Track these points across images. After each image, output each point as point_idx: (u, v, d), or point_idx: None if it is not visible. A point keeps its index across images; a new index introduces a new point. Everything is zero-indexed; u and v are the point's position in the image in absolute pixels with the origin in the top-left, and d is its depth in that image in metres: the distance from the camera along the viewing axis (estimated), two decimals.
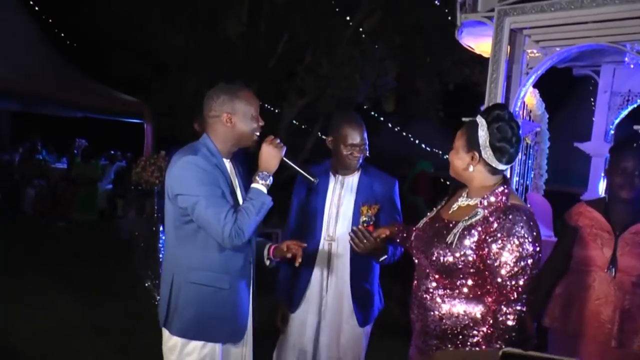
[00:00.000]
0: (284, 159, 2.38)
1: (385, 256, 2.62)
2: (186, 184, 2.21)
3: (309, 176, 2.48)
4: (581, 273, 2.75)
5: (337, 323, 2.86)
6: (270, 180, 2.34)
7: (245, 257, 2.40)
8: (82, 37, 11.16)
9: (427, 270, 2.14)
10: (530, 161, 5.22)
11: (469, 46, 4.78)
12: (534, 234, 1.95)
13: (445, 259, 2.02)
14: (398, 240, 2.54)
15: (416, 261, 2.26)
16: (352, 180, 2.89)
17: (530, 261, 1.92)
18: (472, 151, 2.08)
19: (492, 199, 2.04)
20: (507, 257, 1.91)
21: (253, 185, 2.32)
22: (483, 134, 2.05)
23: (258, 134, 2.40)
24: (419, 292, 2.17)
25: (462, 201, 2.17)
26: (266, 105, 10.98)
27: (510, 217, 1.95)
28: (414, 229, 2.36)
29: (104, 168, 11.78)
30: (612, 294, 2.62)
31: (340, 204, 2.86)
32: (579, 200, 3.93)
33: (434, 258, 2.06)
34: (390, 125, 12.40)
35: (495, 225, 1.96)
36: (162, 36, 9.65)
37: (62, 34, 12.02)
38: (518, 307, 1.93)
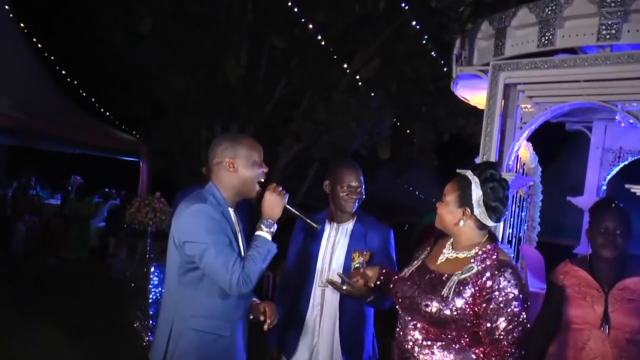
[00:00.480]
0: (287, 206, 2.42)
1: (372, 297, 2.60)
2: (195, 231, 2.23)
3: (311, 222, 2.51)
4: (573, 331, 2.73)
5: None
6: (274, 228, 2.36)
7: (244, 305, 2.43)
8: (83, 74, 11.29)
9: (414, 321, 2.15)
10: (523, 213, 5.24)
11: (464, 98, 4.86)
12: (524, 290, 2.02)
13: (441, 312, 2.04)
14: (379, 283, 2.53)
15: (400, 310, 2.27)
16: (347, 227, 2.94)
17: (523, 316, 1.97)
18: (464, 207, 2.13)
19: (484, 255, 2.08)
20: (504, 315, 1.96)
21: (258, 232, 2.34)
22: (477, 191, 2.12)
23: (262, 180, 2.43)
24: (403, 342, 2.18)
25: (450, 254, 2.20)
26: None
27: (505, 274, 2.00)
28: (398, 277, 2.37)
29: (98, 205, 11.74)
30: (608, 352, 2.60)
31: (334, 250, 2.90)
32: (571, 254, 3.95)
33: (428, 310, 2.07)
34: (384, 172, 12.46)
35: (490, 282, 2.00)
36: (163, 78, 9.77)
37: (63, 71, 12.14)
38: None
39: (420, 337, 2.12)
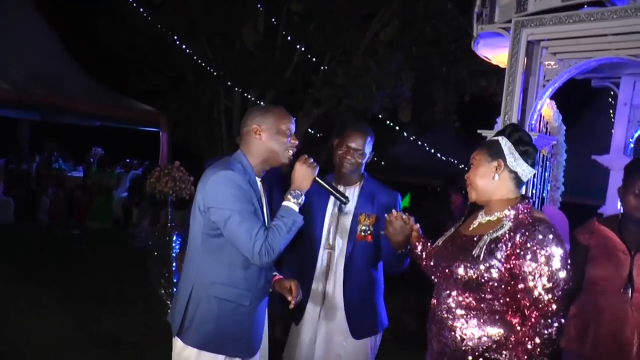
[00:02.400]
0: (317, 179, 2.39)
1: (404, 250, 2.53)
2: (221, 198, 2.22)
3: (340, 197, 2.48)
4: (596, 294, 2.67)
5: (330, 334, 2.86)
6: (302, 200, 2.35)
7: (266, 276, 2.42)
8: (101, 48, 11.30)
9: (449, 289, 2.10)
10: (547, 174, 5.14)
11: (486, 57, 4.73)
12: (564, 247, 1.94)
13: (472, 273, 1.99)
14: (416, 246, 2.47)
15: (435, 280, 2.22)
16: (354, 191, 2.90)
17: (563, 275, 1.90)
18: (496, 160, 2.09)
19: (516, 212, 2.03)
20: (542, 271, 1.89)
21: (285, 203, 2.33)
22: (505, 143, 2.10)
23: (292, 152, 2.41)
24: (438, 312, 2.13)
25: (483, 218, 2.15)
26: None
27: (540, 229, 1.93)
28: (431, 248, 2.33)
29: (120, 177, 11.87)
30: (630, 315, 2.55)
31: (340, 214, 2.87)
32: (597, 214, 3.85)
33: (460, 273, 2.03)
34: (406, 135, 12.33)
35: (525, 239, 1.93)
36: (181, 48, 9.73)
37: (82, 46, 12.15)
38: (556, 322, 1.89)
39: (454, 306, 2.06)
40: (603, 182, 5.15)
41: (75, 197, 10.92)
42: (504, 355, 1.97)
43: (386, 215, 2.49)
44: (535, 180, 4.70)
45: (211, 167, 2.33)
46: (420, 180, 12.71)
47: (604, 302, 2.63)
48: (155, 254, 5.50)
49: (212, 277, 2.29)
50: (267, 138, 2.34)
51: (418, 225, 2.47)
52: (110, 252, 8.48)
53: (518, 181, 2.10)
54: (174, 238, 5.24)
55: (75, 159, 13.83)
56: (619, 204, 4.91)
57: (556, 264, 1.89)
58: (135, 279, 6.24)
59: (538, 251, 1.90)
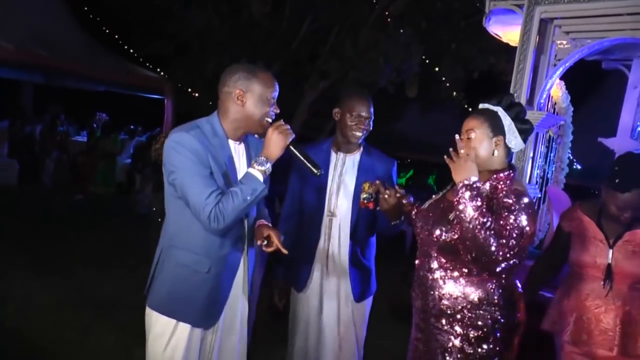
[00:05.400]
0: (290, 147, 2.22)
1: (398, 221, 2.61)
2: (173, 160, 2.13)
3: (312, 168, 2.28)
4: (578, 278, 2.66)
5: (335, 299, 2.90)
6: (268, 167, 2.18)
7: (233, 244, 2.28)
8: (107, 13, 11.16)
9: (430, 251, 2.21)
10: (551, 154, 5.13)
11: (496, 34, 4.69)
12: (530, 221, 2.03)
13: (446, 236, 2.11)
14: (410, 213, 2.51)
15: (419, 241, 2.31)
16: (354, 158, 2.92)
17: (522, 241, 2.00)
18: (497, 136, 2.17)
19: (496, 181, 2.15)
20: (507, 223, 2.00)
21: (249, 170, 2.18)
22: (506, 119, 2.18)
23: (270, 120, 2.25)
24: (421, 272, 2.26)
25: None
26: (287, 86, 10.93)
27: (512, 197, 2.04)
28: (418, 209, 2.40)
29: (123, 142, 11.84)
30: (611, 302, 2.54)
31: (341, 180, 2.89)
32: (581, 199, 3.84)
33: (437, 235, 2.15)
34: (412, 111, 12.27)
35: (498, 202, 2.06)
36: (186, 15, 9.62)
37: (87, 9, 12.02)
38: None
39: (434, 266, 2.19)
40: (608, 165, 5.13)
41: (79, 162, 10.92)
42: (476, 314, 2.10)
43: (380, 192, 2.53)
44: (540, 160, 4.69)
45: (176, 128, 2.25)
46: (424, 157, 12.66)
47: (585, 287, 2.62)
48: (159, 219, 5.51)
49: (172, 240, 2.24)
50: (250, 105, 2.21)
51: (411, 197, 2.52)
52: (112, 217, 8.51)
53: (509, 153, 2.23)
54: None
55: (78, 124, 13.79)
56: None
57: (520, 225, 1.99)
58: (136, 244, 6.26)
59: (507, 212, 2.01)
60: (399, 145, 12.33)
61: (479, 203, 1.97)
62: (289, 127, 2.21)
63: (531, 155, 4.28)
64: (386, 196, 2.48)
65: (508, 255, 1.96)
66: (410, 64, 9.02)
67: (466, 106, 10.97)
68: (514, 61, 3.93)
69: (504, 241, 1.95)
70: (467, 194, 1.98)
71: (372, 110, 2.86)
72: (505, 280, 2.13)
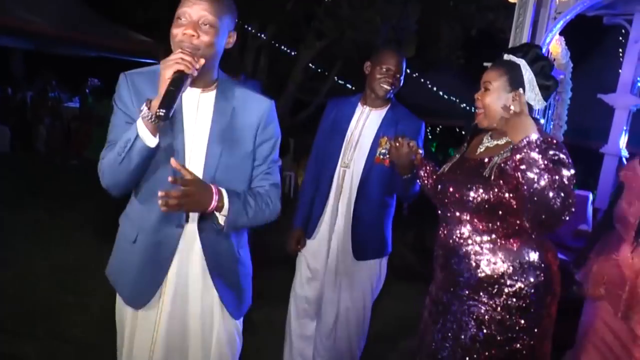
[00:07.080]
0: (170, 86, 1.57)
1: (409, 175, 2.53)
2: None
3: (162, 108, 1.54)
4: (613, 233, 2.63)
5: (337, 251, 2.90)
6: (145, 111, 1.60)
7: (165, 217, 1.82)
8: None
9: (461, 217, 2.04)
10: (550, 111, 5.08)
11: None
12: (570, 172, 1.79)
13: (484, 194, 1.93)
14: (420, 169, 2.44)
15: (443, 210, 2.15)
16: (380, 113, 2.88)
17: (570, 190, 1.77)
18: (515, 90, 1.99)
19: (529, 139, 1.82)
20: (548, 179, 1.73)
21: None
22: (527, 73, 2.01)
23: (182, 47, 1.68)
24: (449, 240, 2.07)
25: (490, 142, 2.09)
26: (282, 47, 10.78)
27: (552, 149, 1.80)
28: (437, 174, 2.25)
29: None
30: (627, 260, 2.50)
31: (361, 133, 2.86)
32: (598, 154, 3.78)
33: (471, 195, 1.96)
34: (409, 71, 12.12)
35: (533, 154, 1.77)
36: None
37: None
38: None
39: (466, 232, 2.03)
40: (605, 123, 5.10)
41: (72, 128, 10.83)
42: (518, 281, 1.94)
43: (391, 140, 2.48)
44: (538, 117, 4.64)
45: None
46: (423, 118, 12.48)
47: (615, 243, 2.60)
48: None
49: (126, 203, 2.01)
50: (173, 26, 1.74)
51: (422, 151, 2.44)
52: None
53: (529, 109, 1.99)
54: None
55: (70, 90, 13.64)
56: (621, 144, 4.88)
57: (564, 178, 1.76)
58: None
59: (545, 164, 1.75)
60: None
61: (546, 161, 1.75)
62: (181, 57, 1.62)
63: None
64: (397, 144, 2.41)
65: (568, 211, 1.75)
66: (407, 22, 8.88)
67: (464, 66, 10.86)
68: (514, 16, 3.85)
69: (564, 195, 1.73)
70: (532, 153, 1.76)
71: (403, 66, 2.81)
72: (544, 241, 2.01)
